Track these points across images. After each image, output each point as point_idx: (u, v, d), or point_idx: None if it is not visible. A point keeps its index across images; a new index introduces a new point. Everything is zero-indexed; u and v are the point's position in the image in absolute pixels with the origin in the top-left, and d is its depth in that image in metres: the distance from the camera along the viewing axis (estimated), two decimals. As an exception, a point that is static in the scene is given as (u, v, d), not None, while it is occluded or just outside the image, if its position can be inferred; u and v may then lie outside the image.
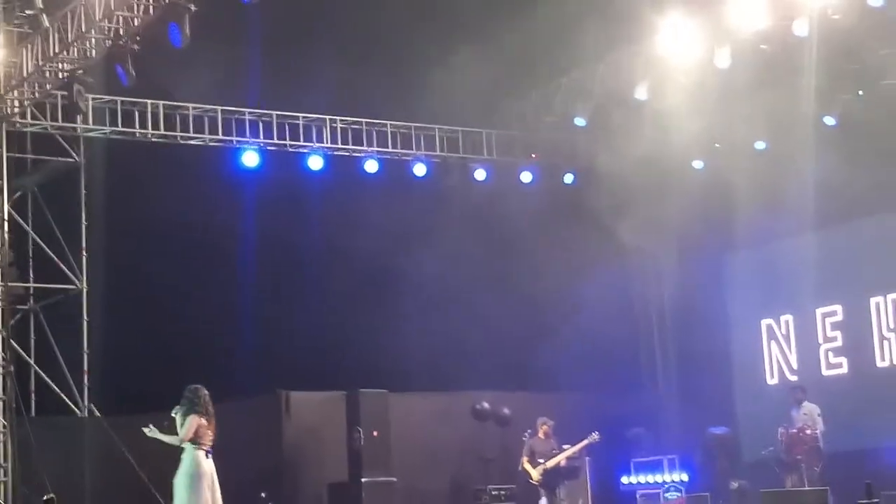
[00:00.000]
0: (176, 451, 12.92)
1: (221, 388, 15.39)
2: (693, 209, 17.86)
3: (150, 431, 12.15)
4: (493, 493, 16.40)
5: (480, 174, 18.00)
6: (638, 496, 16.32)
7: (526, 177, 18.29)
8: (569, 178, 18.42)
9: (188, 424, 12.21)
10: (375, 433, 16.18)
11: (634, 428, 17.62)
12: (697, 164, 18.34)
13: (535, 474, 16.14)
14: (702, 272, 18.68)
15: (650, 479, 16.60)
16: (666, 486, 15.22)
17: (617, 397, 18.03)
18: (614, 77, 16.43)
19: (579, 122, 17.28)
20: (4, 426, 14.30)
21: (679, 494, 14.86)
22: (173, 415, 12.34)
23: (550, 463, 16.14)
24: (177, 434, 12.17)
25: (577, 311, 17.03)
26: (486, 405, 17.06)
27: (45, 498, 12.03)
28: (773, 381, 18.27)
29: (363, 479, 15.90)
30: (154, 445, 12.73)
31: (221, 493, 14.31)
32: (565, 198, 18.06)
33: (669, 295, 19.48)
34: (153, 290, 16.47)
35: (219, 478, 14.76)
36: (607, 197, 17.70)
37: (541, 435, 16.35)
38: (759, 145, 17.73)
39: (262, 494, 13.44)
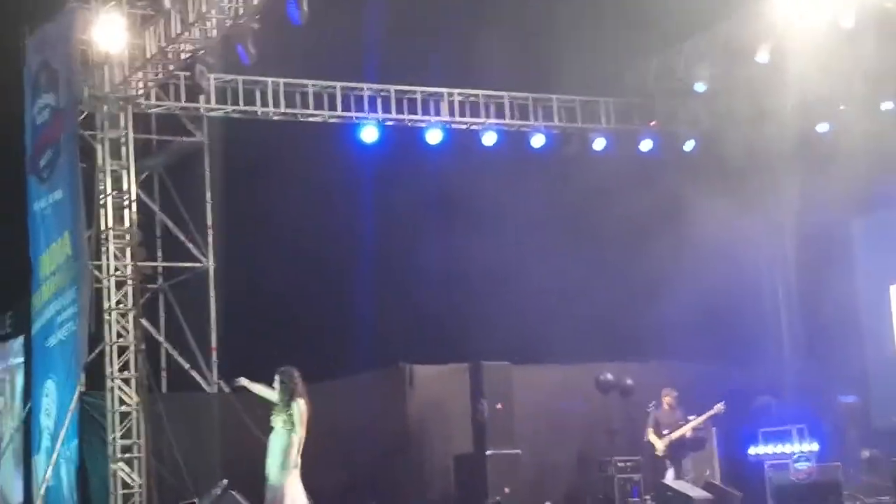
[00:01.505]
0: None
1: (345, 362, 16.06)
2: (818, 173, 17.38)
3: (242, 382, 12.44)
4: (619, 464, 16.12)
5: (599, 143, 17.67)
6: (766, 466, 15.90)
7: (646, 145, 17.91)
8: (689, 146, 17.98)
9: (304, 413, 12.34)
10: (499, 406, 16.02)
11: (761, 397, 17.18)
12: (822, 126, 17.83)
13: (661, 445, 15.90)
14: (828, 237, 18.15)
15: (779, 449, 16.16)
16: (795, 456, 14.79)
17: (742, 366, 17.65)
18: (735, 40, 16.02)
19: (699, 87, 16.90)
20: (137, 403, 14.47)
21: (809, 464, 14.42)
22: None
23: (676, 434, 15.87)
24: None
25: (701, 279, 16.61)
26: (609, 376, 16.78)
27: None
28: (903, 348, 17.72)
29: (488, 452, 15.76)
30: None
31: (349, 466, 14.46)
32: (686, 165, 17.66)
33: (794, 261, 18.99)
34: (277, 265, 16.56)
35: (346, 451, 14.98)
36: (729, 163, 17.37)
37: (665, 406, 16.11)
38: (886, 106, 17.15)
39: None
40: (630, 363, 17.20)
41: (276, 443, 12.65)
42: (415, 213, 16.85)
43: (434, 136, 16.93)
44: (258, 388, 12.89)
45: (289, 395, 12.42)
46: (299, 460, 12.52)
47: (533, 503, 15.43)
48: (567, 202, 17.12)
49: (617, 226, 17.26)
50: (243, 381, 12.87)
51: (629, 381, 16.84)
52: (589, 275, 16.83)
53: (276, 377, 12.77)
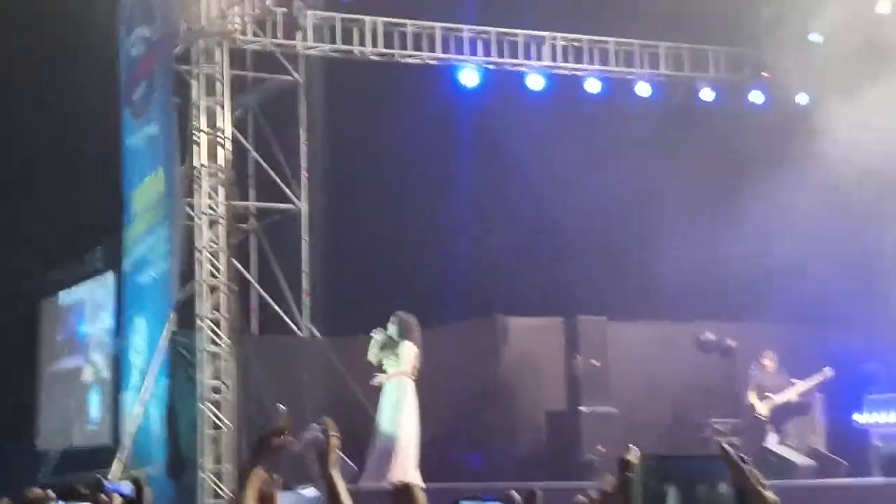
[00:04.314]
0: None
1: (438, 311, 15.96)
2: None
3: (378, 379, 12.98)
4: (717, 426, 15.94)
5: (707, 94, 17.36)
6: (874, 435, 15.63)
7: (756, 96, 17.57)
8: (803, 98, 17.58)
9: (409, 354, 12.97)
10: (595, 362, 15.90)
11: (869, 363, 16.84)
12: (944, 82, 17.31)
13: (764, 409, 15.81)
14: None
15: (886, 417, 15.86)
16: (905, 424, 14.57)
17: (849, 330, 17.18)
18: (855, -11, 15.66)
19: (815, 38, 16.52)
20: (227, 344, 14.52)
21: (920, 434, 14.18)
22: (376, 337, 13.05)
23: (780, 398, 15.77)
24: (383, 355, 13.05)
25: (807, 238, 16.26)
26: (710, 336, 16.53)
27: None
28: None
29: (582, 409, 15.64)
30: (371, 365, 13.43)
31: (436, 418, 14.79)
32: (799, 119, 17.16)
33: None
34: (371, 209, 16.49)
35: (435, 403, 15.06)
36: (845, 119, 16.96)
37: (768, 369, 15.99)
38: None
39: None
40: (730, 323, 16.96)
41: (389, 388, 13.05)
42: (514, 160, 16.65)
43: (536, 82, 16.74)
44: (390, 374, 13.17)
45: (399, 336, 12.86)
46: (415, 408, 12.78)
47: (627, 463, 15.16)
48: (671, 152, 16.84)
49: (722, 180, 16.98)
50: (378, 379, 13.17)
51: (731, 342, 16.54)
52: (690, 230, 16.58)
53: (392, 320, 13.27)
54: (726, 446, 2.84)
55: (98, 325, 17.62)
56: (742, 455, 2.86)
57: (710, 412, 16.15)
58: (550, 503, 7.59)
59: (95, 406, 17.32)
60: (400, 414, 13.23)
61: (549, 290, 16.68)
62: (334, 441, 4.63)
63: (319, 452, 4.62)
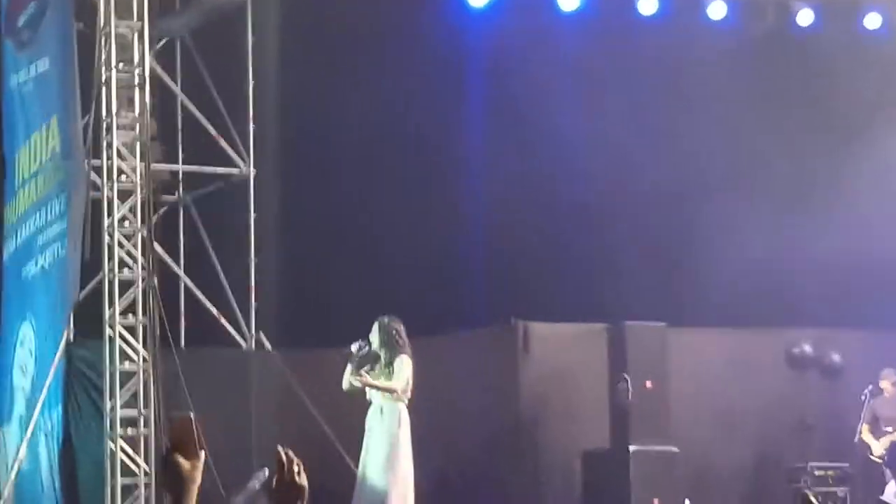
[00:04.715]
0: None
1: (437, 316, 15.97)
2: None
3: (359, 378, 13.15)
4: (817, 473, 16.07)
5: (806, 17, 16.98)
6: None
7: (872, 21, 17.17)
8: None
9: (406, 369, 13.12)
10: (649, 383, 15.80)
11: None
12: None
13: (880, 448, 16.02)
14: None
15: None
16: None
17: None
18: None
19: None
20: (145, 360, 14.17)
21: None
22: (355, 350, 13.24)
23: (902, 433, 16.09)
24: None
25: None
26: (806, 348, 16.55)
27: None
28: None
29: (631, 448, 15.58)
30: (340, 390, 13.57)
31: (442, 457, 15.37)
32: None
33: None
34: (344, 178, 16.48)
35: (435, 438, 15.32)
36: None
37: (888, 394, 16.17)
38: None
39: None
40: (834, 330, 16.99)
41: (376, 423, 13.30)
42: (539, 111, 16.41)
43: (569, 1, 16.34)
44: (378, 383, 13.40)
45: (390, 352, 13.12)
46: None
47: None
48: (753, 98, 16.84)
49: (824, 136, 16.88)
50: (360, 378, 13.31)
51: (835, 357, 16.63)
52: (779, 204, 16.65)
53: (375, 328, 13.33)
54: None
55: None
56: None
57: (806, 453, 16.38)
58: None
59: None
60: (394, 453, 13.30)
61: (587, 287, 16.72)
62: (297, 477, 4.32)
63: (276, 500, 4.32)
